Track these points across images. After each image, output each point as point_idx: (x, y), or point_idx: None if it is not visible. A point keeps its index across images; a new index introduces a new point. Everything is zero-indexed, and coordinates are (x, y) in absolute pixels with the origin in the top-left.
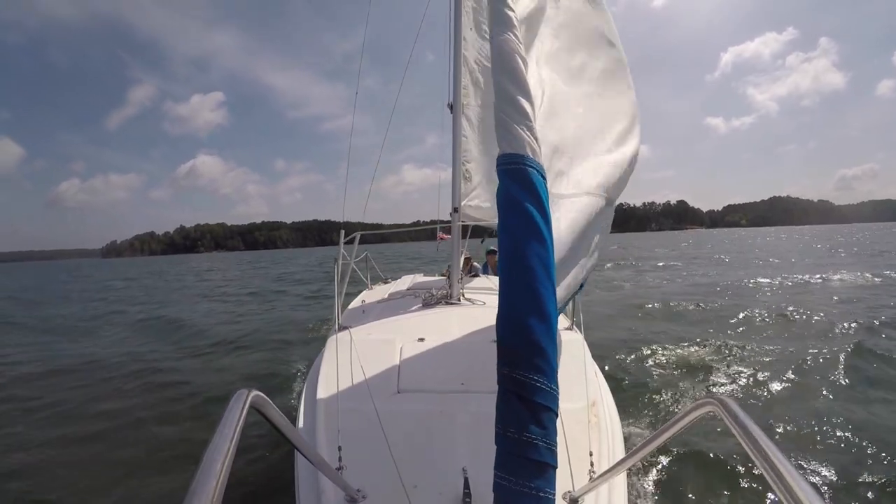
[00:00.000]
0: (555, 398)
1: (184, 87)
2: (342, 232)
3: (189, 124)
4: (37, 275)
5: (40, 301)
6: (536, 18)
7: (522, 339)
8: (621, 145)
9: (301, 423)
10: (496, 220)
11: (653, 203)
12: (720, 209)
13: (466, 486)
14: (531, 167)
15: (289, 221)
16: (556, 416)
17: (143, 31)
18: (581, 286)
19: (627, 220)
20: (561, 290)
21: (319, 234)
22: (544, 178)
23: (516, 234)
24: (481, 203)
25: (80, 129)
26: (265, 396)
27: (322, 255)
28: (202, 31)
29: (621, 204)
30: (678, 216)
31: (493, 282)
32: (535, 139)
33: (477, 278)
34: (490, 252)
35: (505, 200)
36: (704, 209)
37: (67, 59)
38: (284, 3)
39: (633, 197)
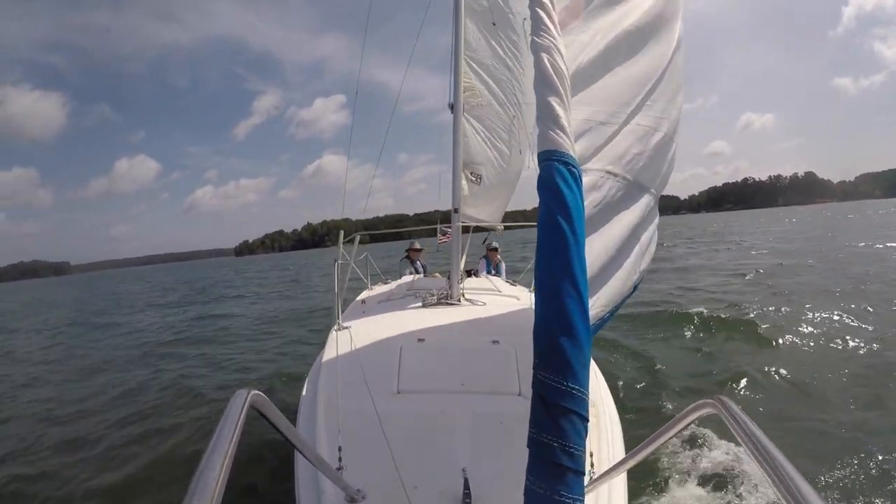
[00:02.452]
0: (580, 402)
1: (302, 94)
2: (341, 232)
3: (313, 127)
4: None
5: None
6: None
7: (544, 339)
8: (660, 127)
9: (301, 423)
10: (497, 222)
11: (779, 176)
12: (852, 179)
13: (466, 486)
14: (558, 161)
15: (411, 213)
16: (583, 419)
17: (256, 46)
18: (634, 288)
19: (752, 195)
20: (612, 294)
21: (443, 222)
22: (574, 169)
23: (546, 239)
24: (485, 205)
25: (209, 141)
26: (265, 396)
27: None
28: (312, 40)
29: (745, 178)
30: (807, 189)
31: (493, 282)
32: (569, 137)
33: (477, 279)
34: (491, 249)
35: (540, 204)
36: (835, 180)
37: (188, 81)
38: (384, 4)
39: (758, 170)
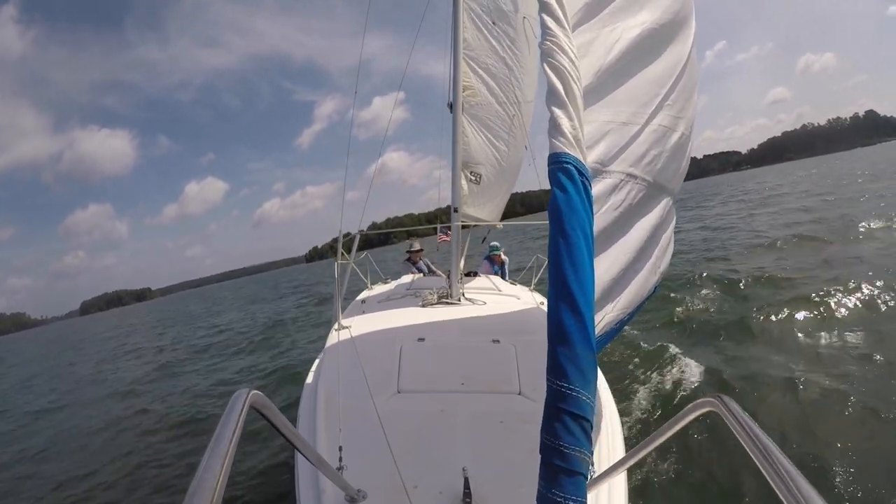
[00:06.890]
0: (579, 403)
1: (355, 96)
2: (341, 232)
3: (374, 126)
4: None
5: None
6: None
7: (549, 344)
8: (678, 126)
9: (301, 422)
10: (496, 220)
11: (838, 118)
12: None
13: (466, 485)
14: (555, 163)
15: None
16: (581, 420)
17: (299, 58)
18: (654, 290)
19: (812, 142)
20: (632, 296)
21: (507, 208)
22: (569, 165)
23: (549, 246)
24: (484, 204)
25: (271, 155)
26: (265, 396)
27: (510, 227)
28: (354, 44)
29: (805, 125)
30: (868, 130)
31: (493, 282)
32: (567, 137)
33: (477, 278)
34: (494, 250)
35: (549, 208)
36: None
37: (239, 101)
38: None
39: (822, 114)
